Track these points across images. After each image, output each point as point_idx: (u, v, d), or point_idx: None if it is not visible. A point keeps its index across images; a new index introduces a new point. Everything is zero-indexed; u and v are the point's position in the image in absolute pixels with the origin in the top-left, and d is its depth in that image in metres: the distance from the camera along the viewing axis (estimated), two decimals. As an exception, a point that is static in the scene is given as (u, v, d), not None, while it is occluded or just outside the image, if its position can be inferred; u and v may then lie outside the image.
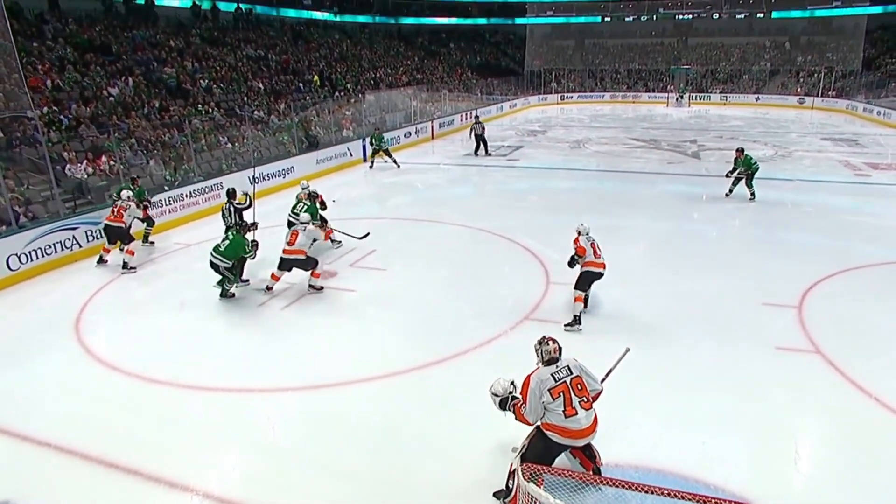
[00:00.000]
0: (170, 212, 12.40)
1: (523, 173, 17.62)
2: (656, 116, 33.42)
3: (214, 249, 8.35)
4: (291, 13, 35.33)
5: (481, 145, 20.19)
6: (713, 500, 3.44)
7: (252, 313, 8.22)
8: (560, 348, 4.57)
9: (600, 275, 7.64)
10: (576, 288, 7.64)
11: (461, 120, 27.86)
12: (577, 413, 4.34)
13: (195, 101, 18.86)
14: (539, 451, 4.43)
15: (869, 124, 29.37)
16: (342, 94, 24.88)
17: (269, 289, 8.78)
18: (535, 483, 3.53)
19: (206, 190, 13.36)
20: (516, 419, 4.63)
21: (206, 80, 20.61)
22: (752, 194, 13.61)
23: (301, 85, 24.81)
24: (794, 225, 12.13)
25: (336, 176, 17.53)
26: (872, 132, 26.44)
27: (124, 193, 10.33)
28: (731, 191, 13.93)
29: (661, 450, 5.17)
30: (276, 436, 5.68)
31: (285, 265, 8.60)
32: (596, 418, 4.48)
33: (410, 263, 9.98)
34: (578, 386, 4.42)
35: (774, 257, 9.89)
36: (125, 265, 9.83)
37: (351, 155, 18.98)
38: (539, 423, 4.49)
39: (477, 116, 23.97)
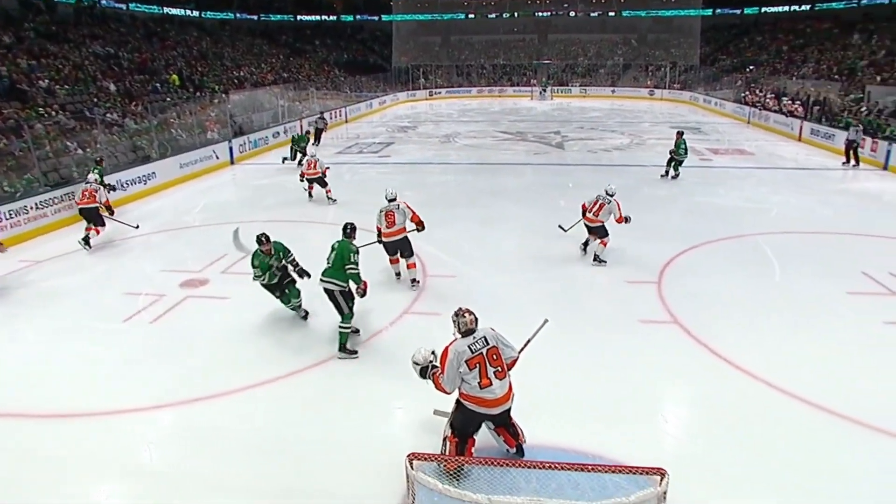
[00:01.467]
0: (12, 226, 11.21)
1: (396, 169, 17.70)
2: (522, 110, 34.78)
3: (324, 274, 6.83)
4: (143, 8, 33.10)
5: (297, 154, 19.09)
6: (589, 467, 3.68)
7: (116, 330, 7.64)
8: (476, 319, 4.70)
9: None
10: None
11: (332, 118, 27.50)
12: (491, 383, 4.55)
13: (34, 102, 17.20)
14: (461, 421, 4.69)
15: (709, 114, 32.33)
16: (204, 94, 23.67)
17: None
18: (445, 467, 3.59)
19: (55, 201, 12.21)
20: (435, 388, 4.77)
21: (46, 80, 18.85)
22: (677, 174, 15.38)
23: (158, 85, 23.33)
24: (650, 207, 13.07)
25: (202, 180, 16.69)
26: (712, 121, 29.14)
27: (91, 176, 11.34)
28: (666, 172, 15.52)
29: (540, 425, 5.39)
30: (153, 457, 5.30)
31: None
32: (511, 387, 4.68)
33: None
34: (494, 356, 4.60)
35: (635, 238, 10.62)
36: (87, 240, 10.48)
37: (217, 158, 18.12)
38: (457, 393, 4.67)
39: (321, 113, 23.97)
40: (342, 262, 6.66)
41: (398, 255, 8.66)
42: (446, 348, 4.66)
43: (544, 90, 41.79)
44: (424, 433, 5.32)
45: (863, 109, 21.02)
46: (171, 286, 8.69)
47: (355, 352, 6.81)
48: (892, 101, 20.25)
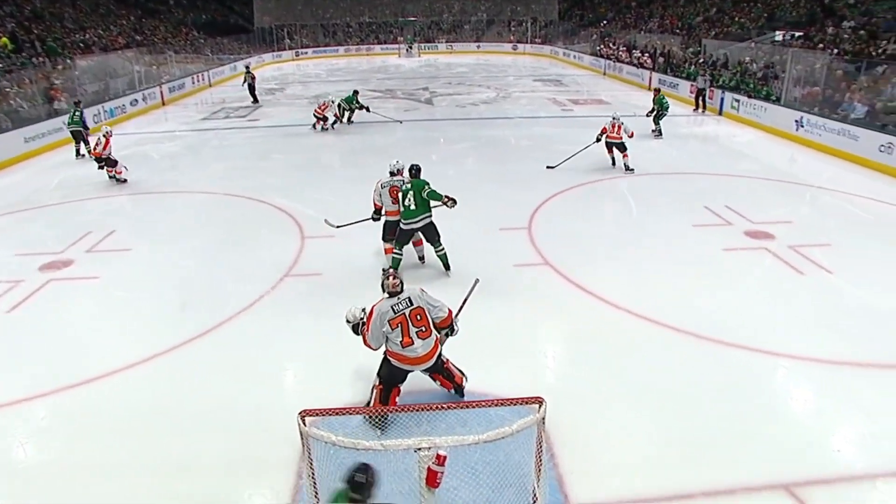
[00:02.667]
0: None
1: (265, 133, 17.12)
2: (390, 67, 34.50)
3: (409, 217, 7.31)
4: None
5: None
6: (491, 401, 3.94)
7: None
8: (401, 282, 4.88)
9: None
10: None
11: (193, 83, 25.86)
12: (413, 343, 4.76)
13: None
14: (386, 373, 4.91)
15: (569, 67, 33.72)
16: (44, 59, 21.30)
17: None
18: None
19: None
20: (364, 344, 4.92)
21: None
22: (659, 132, 15.46)
23: (-15, 50, 20.70)
24: (518, 157, 13.65)
25: (51, 155, 15.21)
26: (571, 73, 30.47)
27: (104, 128, 12.20)
28: (659, 131, 15.59)
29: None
30: (29, 452, 4.95)
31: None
32: (436, 345, 4.90)
33: (157, 239, 9.22)
34: (417, 317, 4.78)
35: (505, 187, 11.13)
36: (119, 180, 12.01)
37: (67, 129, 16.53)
38: (383, 349, 4.88)
39: (247, 66, 22.79)
40: (421, 194, 7.20)
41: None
42: (373, 308, 4.84)
43: (410, 47, 41.58)
44: (317, 391, 5.41)
45: (700, 61, 22.85)
46: (29, 270, 8.04)
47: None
48: (723, 54, 22.16)
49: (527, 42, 43.80)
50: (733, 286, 7.51)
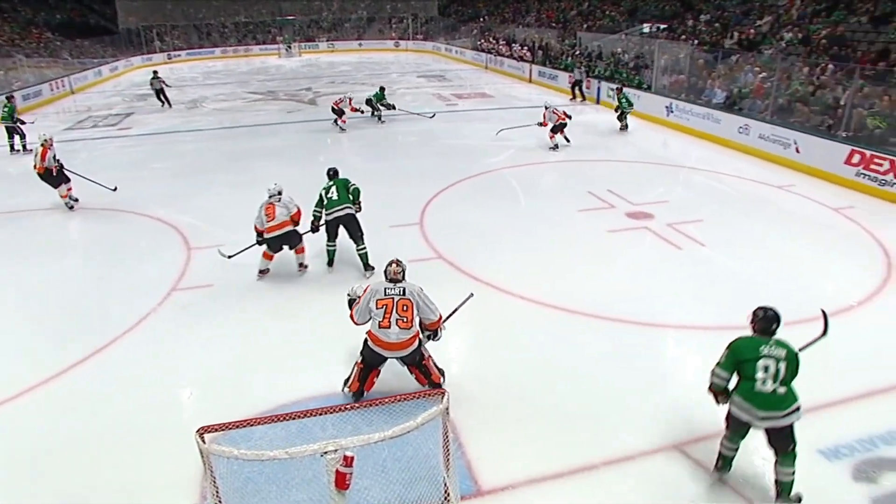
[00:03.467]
0: None
1: (139, 141, 16.13)
2: (270, 68, 33.51)
3: (332, 207, 7.49)
4: None
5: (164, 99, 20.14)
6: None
7: None
8: (402, 272, 5.10)
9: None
10: None
11: (52, 90, 23.87)
12: (389, 327, 4.88)
13: None
14: (365, 355, 5.03)
15: (451, 62, 34.20)
16: None
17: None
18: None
19: None
20: (349, 317, 5.09)
21: None
22: (625, 126, 15.50)
23: None
24: (405, 153, 13.69)
25: None
26: (454, 68, 30.93)
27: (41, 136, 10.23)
28: (625, 125, 15.50)
29: (333, 372, 5.57)
30: None
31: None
32: (411, 340, 4.97)
33: (28, 263, 8.41)
34: (404, 307, 4.94)
35: (395, 184, 11.12)
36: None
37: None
38: (366, 328, 5.02)
39: (155, 72, 21.22)
40: (346, 187, 7.55)
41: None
42: (370, 285, 5.08)
43: (290, 47, 40.59)
44: (216, 405, 5.19)
45: (576, 53, 23.89)
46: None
47: (374, 267, 7.59)
48: (597, 46, 23.30)
49: (409, 39, 43.98)
50: (619, 265, 7.92)
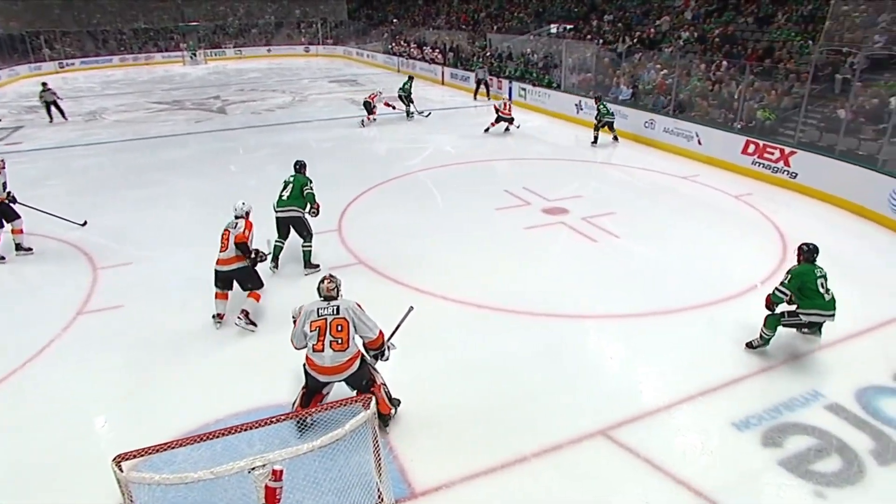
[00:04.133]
0: None
1: (33, 157, 15.06)
2: (175, 76, 32.18)
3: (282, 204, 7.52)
4: None
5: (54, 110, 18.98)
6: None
7: None
8: (336, 288, 4.75)
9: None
10: None
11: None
12: (323, 350, 4.56)
13: None
14: (306, 380, 4.73)
15: (363, 66, 34.00)
16: None
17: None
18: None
19: None
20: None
21: None
22: (595, 139, 14.51)
23: None
24: (321, 160, 13.44)
25: None
26: (366, 72, 30.75)
27: None
28: (596, 139, 14.54)
29: (257, 386, 5.41)
30: None
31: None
32: (349, 363, 4.63)
33: None
34: (338, 327, 4.61)
35: (317, 193, 10.90)
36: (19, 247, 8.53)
37: None
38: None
39: (44, 84, 19.61)
40: (301, 189, 7.59)
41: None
42: (302, 306, 4.76)
43: (195, 54, 39.15)
44: (133, 432, 4.91)
45: (487, 54, 24.29)
46: None
47: (318, 265, 7.68)
48: (507, 46, 23.76)
49: (319, 43, 43.36)
50: (538, 260, 8.10)
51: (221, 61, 39.43)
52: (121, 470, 3.25)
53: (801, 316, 5.62)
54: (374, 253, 8.24)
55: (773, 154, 11.46)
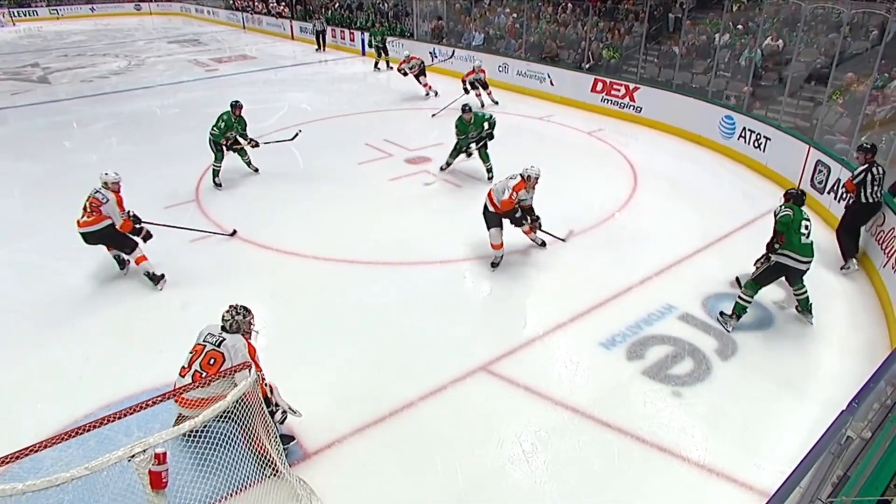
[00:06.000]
0: None
1: None
2: (-23, 44, 28.28)
3: None
4: None
5: None
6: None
7: None
8: (234, 323, 4.12)
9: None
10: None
11: None
12: (184, 376, 4.09)
13: None
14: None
15: (205, 24, 31.66)
16: None
17: None
18: None
19: None
20: None
21: None
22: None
23: None
24: (169, 128, 12.50)
25: None
26: (209, 30, 28.72)
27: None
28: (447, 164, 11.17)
29: (149, 374, 5.04)
30: None
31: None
32: (200, 402, 3.89)
33: None
34: (210, 360, 4.05)
35: (163, 162, 10.13)
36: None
37: None
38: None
39: None
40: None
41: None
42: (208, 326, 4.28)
43: (-1, 17, 34.47)
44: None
45: (337, 5, 23.45)
46: None
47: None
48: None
49: (152, 0, 39.72)
50: (404, 210, 8.10)
51: (34, 22, 34.96)
52: None
53: (773, 257, 5.31)
54: (240, 221, 7.81)
55: (619, 91, 12.13)
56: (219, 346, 4.11)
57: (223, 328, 4.17)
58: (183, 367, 4.15)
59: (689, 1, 12.67)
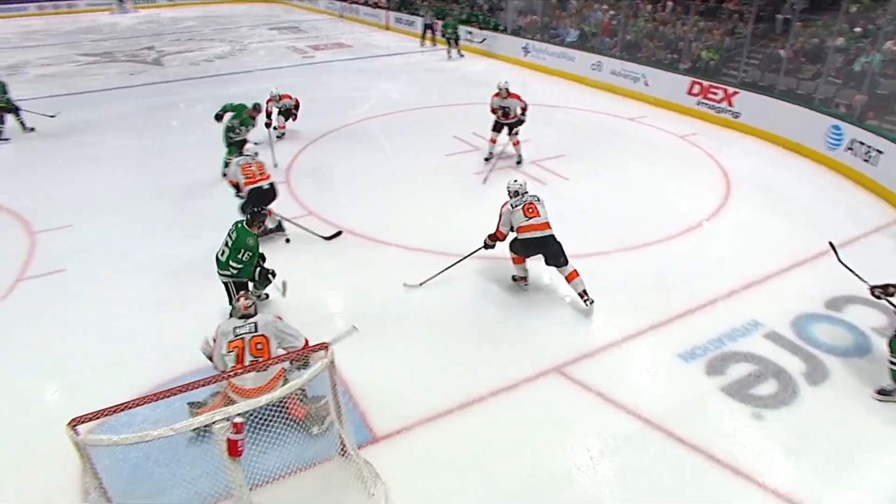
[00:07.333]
0: None
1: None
2: (103, 26, 30.32)
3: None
4: None
5: None
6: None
7: None
8: (254, 304, 4.43)
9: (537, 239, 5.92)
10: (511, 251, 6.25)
11: None
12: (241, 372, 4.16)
13: None
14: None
15: (304, 12, 32.69)
16: None
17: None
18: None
19: None
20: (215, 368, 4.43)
21: None
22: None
23: None
24: (267, 112, 13.03)
25: None
26: (308, 18, 29.65)
27: None
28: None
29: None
30: None
31: None
32: (274, 380, 4.28)
33: None
34: (258, 345, 4.28)
35: (264, 146, 10.57)
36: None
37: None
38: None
39: None
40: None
41: None
42: (219, 325, 4.42)
43: (122, 2, 36.89)
44: (86, 397, 4.77)
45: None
46: None
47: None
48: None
49: (256, -12, 41.37)
50: (487, 204, 8.10)
51: (152, 9, 37.25)
52: (77, 433, 3.20)
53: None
54: (324, 203, 8.16)
55: (716, 94, 11.66)
56: (256, 331, 4.33)
57: (248, 316, 4.40)
58: (233, 368, 4.20)
59: (800, 1, 11.99)
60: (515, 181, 6.17)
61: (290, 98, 10.97)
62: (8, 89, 11.50)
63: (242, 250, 5.37)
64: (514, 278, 6.34)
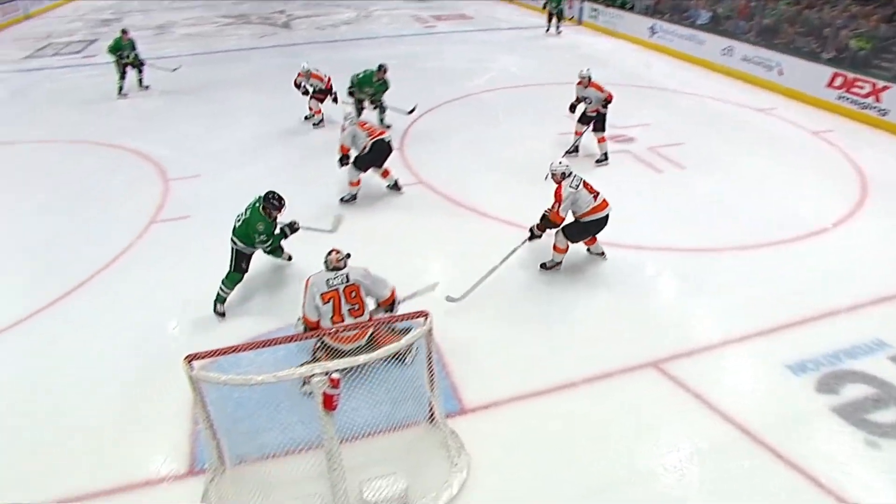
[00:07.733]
0: None
1: (105, 70, 15.41)
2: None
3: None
4: None
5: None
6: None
7: None
8: (344, 258, 4.68)
9: (601, 219, 5.93)
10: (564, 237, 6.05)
11: (2, 14, 22.39)
12: (343, 321, 4.52)
13: None
14: (320, 356, 4.46)
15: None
16: None
17: None
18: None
19: None
20: (304, 320, 4.70)
21: None
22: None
23: None
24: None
25: None
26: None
27: None
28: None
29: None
30: None
31: None
32: (357, 336, 4.55)
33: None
34: (352, 294, 4.56)
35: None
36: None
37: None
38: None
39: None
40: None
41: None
42: (308, 279, 4.65)
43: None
44: (201, 337, 5.25)
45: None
46: None
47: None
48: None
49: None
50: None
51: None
52: (192, 368, 3.50)
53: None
54: (435, 173, 8.32)
55: (862, 88, 10.66)
56: (348, 280, 4.58)
57: (338, 268, 4.61)
58: (332, 318, 4.53)
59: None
60: (560, 162, 5.97)
61: (321, 79, 10.27)
62: (136, 45, 12.43)
63: (255, 234, 5.45)
64: (545, 266, 6.14)
